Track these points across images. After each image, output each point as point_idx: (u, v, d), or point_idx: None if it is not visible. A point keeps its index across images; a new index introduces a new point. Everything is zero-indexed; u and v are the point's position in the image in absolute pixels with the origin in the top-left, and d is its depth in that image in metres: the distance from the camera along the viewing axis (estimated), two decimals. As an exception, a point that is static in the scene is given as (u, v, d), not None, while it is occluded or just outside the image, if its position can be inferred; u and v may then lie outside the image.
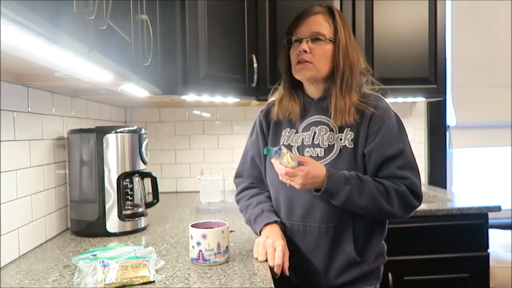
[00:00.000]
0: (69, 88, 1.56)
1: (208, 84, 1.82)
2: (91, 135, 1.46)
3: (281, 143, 1.30)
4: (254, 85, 2.02)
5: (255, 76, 2.00)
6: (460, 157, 2.71)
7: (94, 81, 1.25)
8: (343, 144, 1.21)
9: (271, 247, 1.15)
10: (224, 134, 2.50)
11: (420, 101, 2.54)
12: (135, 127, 1.56)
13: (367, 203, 1.13)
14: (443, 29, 2.16)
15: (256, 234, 1.29)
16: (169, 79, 1.68)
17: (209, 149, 2.50)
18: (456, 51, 2.60)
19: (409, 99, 2.27)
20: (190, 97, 1.85)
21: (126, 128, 1.53)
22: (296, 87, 1.31)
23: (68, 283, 1.03)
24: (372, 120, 1.20)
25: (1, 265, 1.15)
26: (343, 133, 1.22)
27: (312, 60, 1.22)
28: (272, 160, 1.14)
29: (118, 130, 1.49)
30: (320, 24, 1.23)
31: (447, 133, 2.63)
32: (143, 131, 1.59)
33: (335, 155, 1.21)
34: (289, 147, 1.27)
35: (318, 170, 1.11)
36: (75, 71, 1.04)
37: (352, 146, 1.20)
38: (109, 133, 1.47)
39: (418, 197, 1.17)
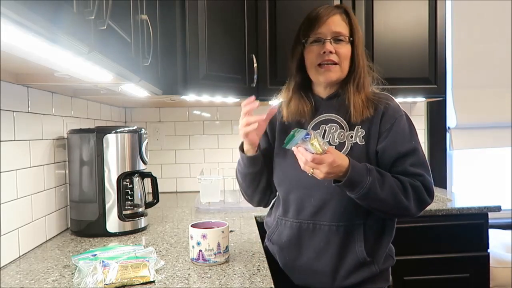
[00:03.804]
0: (69, 88, 1.56)
1: (208, 84, 1.82)
2: (91, 135, 1.46)
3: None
4: (254, 85, 2.02)
5: (255, 76, 2.00)
6: (460, 157, 2.71)
7: (94, 81, 1.25)
8: (354, 141, 1.19)
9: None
10: (224, 134, 2.50)
11: (420, 101, 2.54)
12: (135, 127, 1.56)
13: (387, 196, 1.10)
14: (443, 29, 2.16)
15: (241, 153, 1.27)
16: (169, 79, 1.68)
17: (209, 149, 2.50)
18: (456, 51, 2.60)
19: (409, 99, 2.27)
20: (190, 97, 1.85)
21: (126, 128, 1.53)
22: (305, 88, 1.29)
23: (68, 283, 1.03)
24: (384, 117, 1.19)
25: (1, 265, 1.15)
26: (353, 130, 1.21)
27: (337, 61, 1.21)
28: (295, 148, 1.06)
29: (118, 130, 1.49)
30: (340, 24, 1.22)
31: (448, 134, 2.63)
32: (143, 131, 1.59)
33: (346, 152, 1.19)
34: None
35: (342, 159, 1.06)
36: (75, 71, 1.04)
37: (364, 143, 1.19)
38: (109, 133, 1.47)
39: (431, 194, 1.16)
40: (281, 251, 1.26)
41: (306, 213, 1.22)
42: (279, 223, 1.28)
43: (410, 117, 1.25)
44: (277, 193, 1.33)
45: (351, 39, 1.22)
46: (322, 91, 1.29)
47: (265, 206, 1.39)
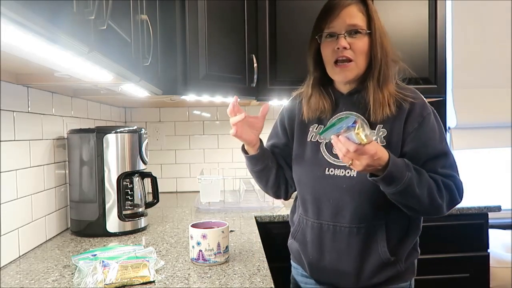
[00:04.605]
0: (69, 88, 1.56)
1: (208, 84, 1.82)
2: (91, 135, 1.46)
3: (308, 139, 1.24)
4: (254, 85, 2.02)
5: (255, 76, 2.00)
6: (460, 157, 2.71)
7: (94, 81, 1.25)
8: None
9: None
10: (224, 134, 2.50)
11: (420, 101, 2.54)
12: (135, 127, 1.56)
13: (423, 194, 1.05)
14: (443, 29, 2.16)
15: (244, 153, 1.29)
16: (169, 79, 1.68)
17: (209, 149, 2.50)
18: (456, 51, 2.59)
19: (409, 99, 2.26)
20: (190, 97, 1.85)
21: (126, 128, 1.53)
22: (325, 83, 1.23)
23: (68, 283, 1.03)
24: (410, 116, 1.12)
25: (1, 265, 1.15)
26: (374, 129, 1.14)
27: (353, 57, 1.13)
28: (334, 137, 0.99)
29: (118, 130, 1.49)
30: (355, 16, 1.13)
31: (448, 134, 2.63)
32: (143, 131, 1.59)
33: None
34: (317, 143, 1.21)
35: (383, 152, 1.00)
36: (75, 71, 1.04)
37: (385, 143, 1.12)
38: (109, 133, 1.47)
39: (461, 194, 1.12)
40: (305, 249, 1.24)
41: (325, 214, 1.18)
42: (301, 221, 1.26)
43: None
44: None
45: (369, 31, 1.14)
46: (342, 86, 1.22)
47: (286, 199, 1.38)
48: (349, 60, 1.14)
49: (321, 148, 1.20)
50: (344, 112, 1.21)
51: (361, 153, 0.97)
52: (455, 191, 1.11)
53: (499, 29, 2.60)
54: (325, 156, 1.18)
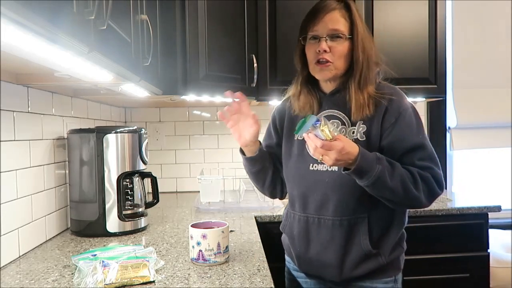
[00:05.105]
0: (69, 88, 1.56)
1: (208, 84, 1.82)
2: (91, 135, 1.46)
3: (295, 138, 1.29)
4: (254, 85, 2.02)
5: (255, 76, 2.00)
6: (460, 157, 2.71)
7: (94, 81, 1.25)
8: (355, 137, 1.19)
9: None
10: (224, 134, 2.50)
11: (420, 101, 2.54)
12: (135, 127, 1.56)
13: (396, 185, 1.09)
14: (443, 29, 2.16)
15: (243, 155, 1.34)
16: (169, 79, 1.68)
17: (209, 149, 2.50)
18: (456, 51, 2.59)
19: (409, 99, 2.26)
20: (190, 97, 1.85)
21: (126, 128, 1.53)
22: (311, 82, 1.29)
23: (68, 283, 1.03)
24: (387, 112, 1.18)
25: (1, 265, 1.15)
26: (355, 126, 1.20)
27: (332, 59, 1.19)
28: (305, 135, 1.07)
29: (118, 130, 1.49)
30: (337, 21, 1.19)
31: (448, 134, 2.63)
32: (143, 131, 1.59)
33: None
34: (303, 141, 1.24)
35: (352, 147, 1.07)
36: (75, 71, 1.04)
37: (364, 139, 1.18)
38: (109, 133, 1.47)
39: (441, 185, 1.16)
40: (293, 242, 1.30)
41: (311, 207, 1.24)
42: (289, 216, 1.32)
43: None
44: None
45: (350, 36, 1.20)
46: (325, 85, 1.28)
47: (281, 198, 1.44)
48: (329, 62, 1.20)
49: (306, 145, 1.24)
50: (326, 111, 1.27)
51: (328, 148, 1.04)
52: (433, 182, 1.14)
53: (499, 29, 2.60)
54: (309, 153, 1.22)
